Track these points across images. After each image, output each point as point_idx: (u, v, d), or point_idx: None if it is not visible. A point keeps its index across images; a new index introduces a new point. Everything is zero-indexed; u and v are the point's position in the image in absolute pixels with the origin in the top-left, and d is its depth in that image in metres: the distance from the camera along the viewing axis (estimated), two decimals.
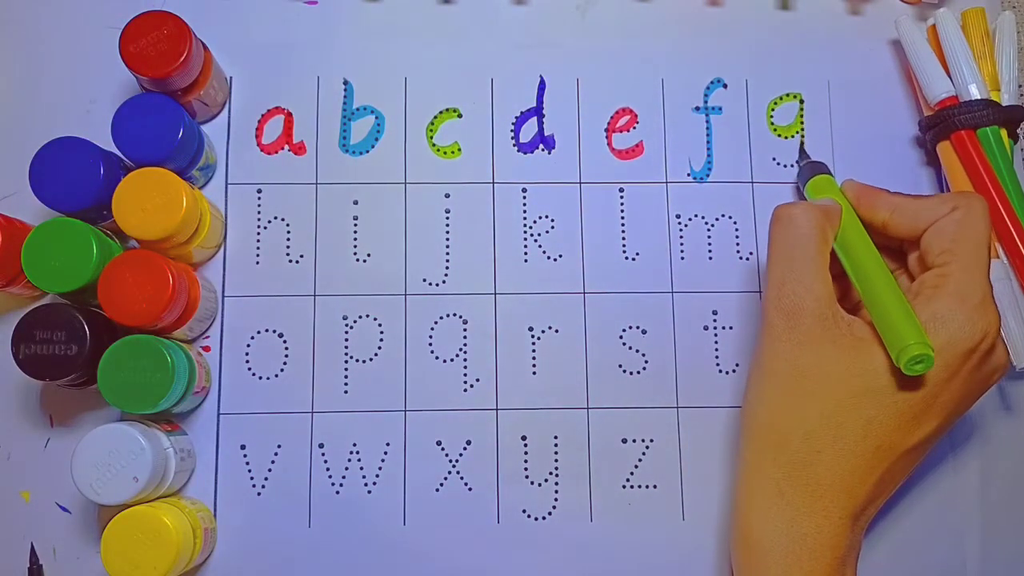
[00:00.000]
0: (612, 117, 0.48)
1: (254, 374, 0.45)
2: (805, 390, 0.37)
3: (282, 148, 0.47)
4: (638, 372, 0.46)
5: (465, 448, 0.45)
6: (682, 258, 0.47)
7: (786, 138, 0.48)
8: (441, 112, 0.48)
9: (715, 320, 0.46)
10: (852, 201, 0.42)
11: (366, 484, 0.44)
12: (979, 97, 0.45)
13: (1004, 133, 0.45)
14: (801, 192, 0.46)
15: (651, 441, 0.45)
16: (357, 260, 0.46)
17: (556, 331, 0.46)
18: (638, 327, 0.46)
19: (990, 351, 0.37)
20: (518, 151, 0.48)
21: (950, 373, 0.36)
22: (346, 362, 0.45)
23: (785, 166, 0.48)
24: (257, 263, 0.46)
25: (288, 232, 0.46)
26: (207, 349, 0.45)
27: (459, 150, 0.48)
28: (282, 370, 0.45)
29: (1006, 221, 0.44)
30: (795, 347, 0.37)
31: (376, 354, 0.45)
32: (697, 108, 0.48)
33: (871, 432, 0.36)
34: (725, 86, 0.49)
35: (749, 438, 0.39)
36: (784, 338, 0.38)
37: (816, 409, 0.37)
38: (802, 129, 0.48)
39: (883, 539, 0.45)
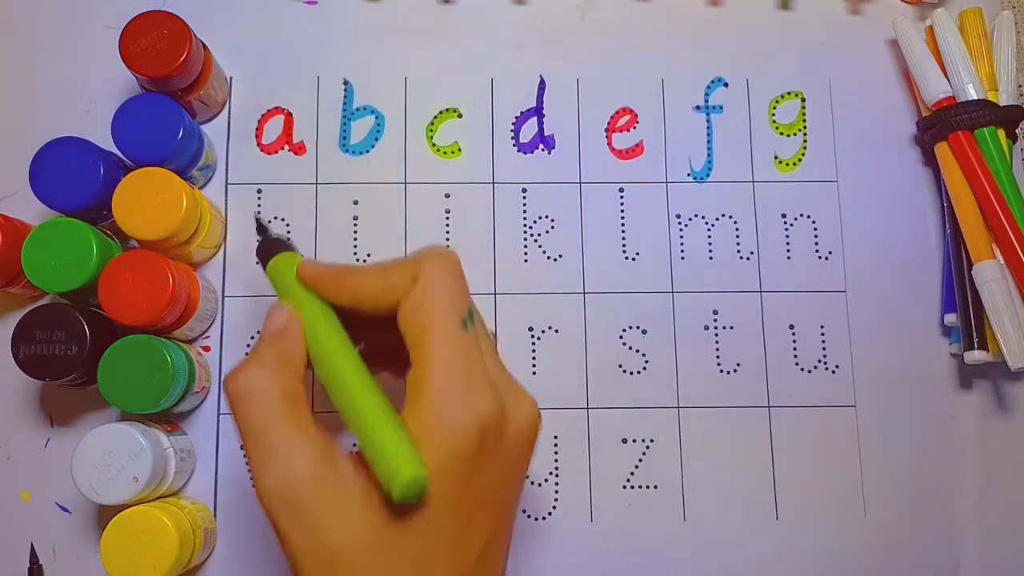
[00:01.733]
0: (612, 117, 0.48)
1: None
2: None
3: (282, 148, 0.47)
4: (638, 372, 0.46)
5: None
6: (682, 258, 0.47)
7: (789, 136, 0.48)
8: (441, 112, 0.48)
9: (715, 320, 0.46)
10: (312, 288, 0.33)
11: None
12: (976, 98, 0.45)
13: (1002, 134, 0.45)
14: (263, 271, 0.36)
15: (651, 441, 0.45)
16: (357, 260, 0.46)
17: (556, 331, 0.46)
18: (638, 327, 0.46)
19: (499, 434, 0.31)
20: (518, 151, 0.48)
21: (459, 485, 0.30)
22: None
23: (788, 164, 0.48)
24: (257, 263, 0.46)
25: (288, 232, 0.46)
26: (207, 349, 0.45)
27: (459, 150, 0.48)
28: None
29: (1003, 222, 0.44)
30: (314, 539, 0.29)
31: None
32: (698, 107, 0.49)
33: None
34: (726, 85, 0.49)
35: None
36: (297, 539, 0.29)
37: None
38: (804, 127, 0.48)
39: (881, 539, 0.45)
